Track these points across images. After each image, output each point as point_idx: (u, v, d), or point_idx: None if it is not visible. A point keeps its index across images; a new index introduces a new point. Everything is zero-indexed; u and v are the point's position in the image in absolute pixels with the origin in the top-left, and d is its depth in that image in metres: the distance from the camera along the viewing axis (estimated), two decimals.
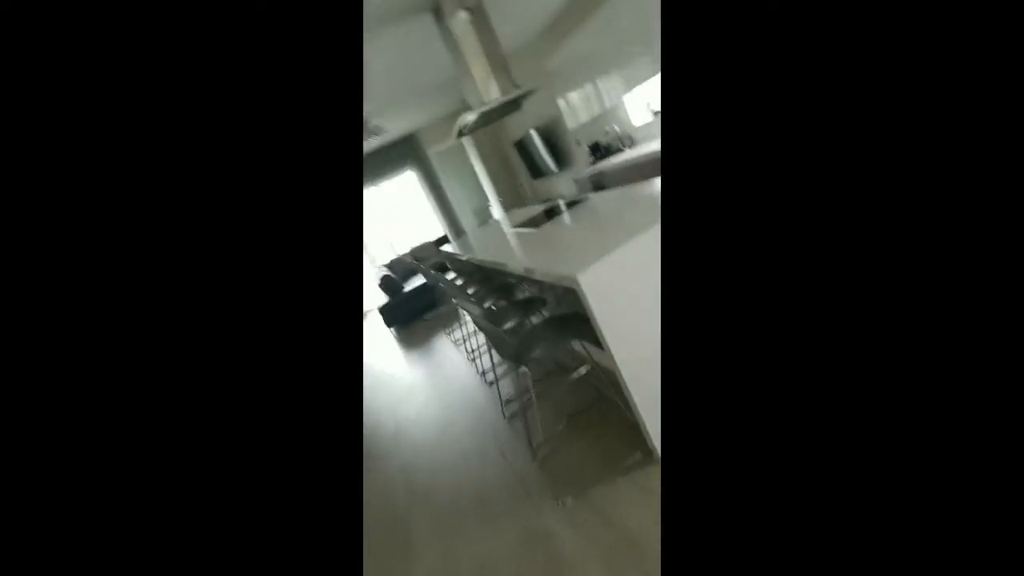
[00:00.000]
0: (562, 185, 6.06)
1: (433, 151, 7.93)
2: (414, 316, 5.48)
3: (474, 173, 7.93)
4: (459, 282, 3.40)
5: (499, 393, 2.59)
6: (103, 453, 0.56)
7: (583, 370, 2.21)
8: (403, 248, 7.87)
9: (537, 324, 1.91)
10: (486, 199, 8.05)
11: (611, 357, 1.39)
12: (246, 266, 0.60)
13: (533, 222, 2.81)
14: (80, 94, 0.57)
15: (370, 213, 7.80)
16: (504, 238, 2.83)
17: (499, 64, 2.84)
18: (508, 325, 2.08)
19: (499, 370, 2.87)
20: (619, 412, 1.86)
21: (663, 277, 0.60)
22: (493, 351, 3.15)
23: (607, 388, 2.04)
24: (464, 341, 3.74)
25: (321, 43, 0.62)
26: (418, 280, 5.65)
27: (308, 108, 0.62)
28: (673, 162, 0.58)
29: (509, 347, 1.69)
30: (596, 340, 1.46)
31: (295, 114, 0.62)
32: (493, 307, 2.52)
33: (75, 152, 0.57)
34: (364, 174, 7.53)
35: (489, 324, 1.74)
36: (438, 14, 2.99)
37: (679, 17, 0.57)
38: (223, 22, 0.59)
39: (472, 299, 2.44)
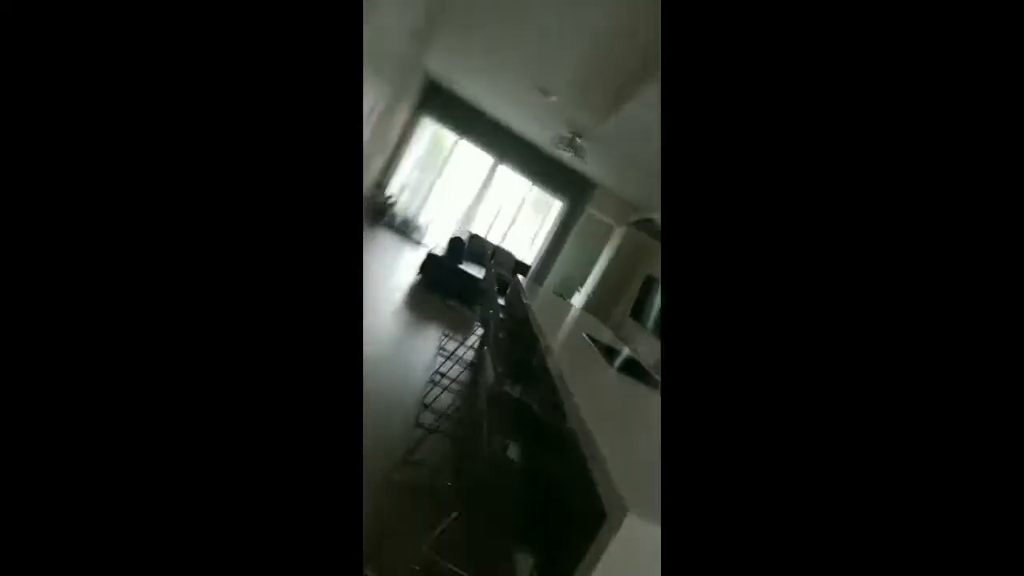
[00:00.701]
0: (644, 345, 5.58)
1: (590, 211, 7.73)
2: (442, 290, 5.11)
3: (595, 259, 7.62)
4: (501, 315, 2.99)
5: (414, 444, 2.09)
6: (93, 446, 0.53)
7: None
8: (495, 240, 7.63)
9: (519, 466, 1.42)
10: (580, 283, 7.69)
11: None
12: (243, 258, 0.57)
13: (601, 346, 2.39)
14: (82, 86, 0.54)
15: (507, 194, 7.68)
16: (569, 332, 2.39)
17: None
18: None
19: (445, 424, 2.38)
20: None
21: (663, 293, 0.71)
22: (462, 404, 2.67)
23: None
24: (447, 359, 3.28)
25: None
26: (475, 270, 5.29)
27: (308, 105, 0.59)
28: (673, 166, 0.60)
29: (481, 446, 1.21)
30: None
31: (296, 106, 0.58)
32: (503, 376, 2.07)
33: (82, 143, 0.54)
34: (533, 172, 7.43)
35: (487, 401, 1.29)
36: None
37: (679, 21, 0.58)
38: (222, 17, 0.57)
39: (497, 346, 2.01)
